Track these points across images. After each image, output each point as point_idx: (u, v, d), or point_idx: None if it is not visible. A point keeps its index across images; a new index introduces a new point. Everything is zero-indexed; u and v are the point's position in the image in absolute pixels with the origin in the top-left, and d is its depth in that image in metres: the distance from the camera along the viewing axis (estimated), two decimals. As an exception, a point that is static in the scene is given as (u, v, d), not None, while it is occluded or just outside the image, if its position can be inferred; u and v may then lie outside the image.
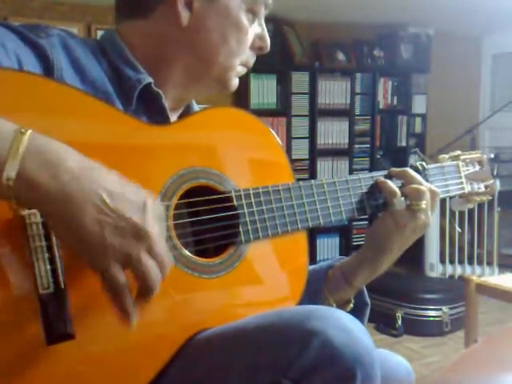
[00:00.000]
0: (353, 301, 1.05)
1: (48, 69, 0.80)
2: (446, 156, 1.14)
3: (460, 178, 1.12)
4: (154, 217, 0.68)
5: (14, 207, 0.66)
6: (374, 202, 1.00)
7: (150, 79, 0.89)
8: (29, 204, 0.65)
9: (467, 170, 1.14)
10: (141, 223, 0.66)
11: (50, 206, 0.63)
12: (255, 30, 0.94)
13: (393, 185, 0.98)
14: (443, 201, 1.11)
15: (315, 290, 1.01)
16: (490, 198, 1.20)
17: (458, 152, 1.16)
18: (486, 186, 1.16)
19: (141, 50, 0.90)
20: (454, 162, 1.13)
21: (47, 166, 0.62)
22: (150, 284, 0.67)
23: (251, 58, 0.96)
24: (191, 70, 0.92)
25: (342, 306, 1.04)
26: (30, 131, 0.63)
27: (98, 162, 0.67)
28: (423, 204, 0.96)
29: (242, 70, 0.96)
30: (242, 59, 0.94)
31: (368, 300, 1.07)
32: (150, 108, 0.90)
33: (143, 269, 0.67)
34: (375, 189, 1.00)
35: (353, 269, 1.02)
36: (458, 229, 3.93)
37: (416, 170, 1.03)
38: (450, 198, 1.14)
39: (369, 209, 1.00)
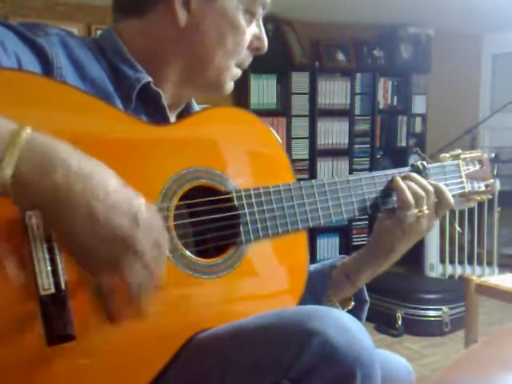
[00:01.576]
0: (353, 299, 1.05)
1: (47, 67, 0.80)
2: (447, 155, 1.14)
3: (460, 177, 1.12)
4: (145, 228, 0.66)
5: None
6: (376, 203, 1.01)
7: (148, 78, 0.89)
8: (23, 204, 0.65)
9: (467, 169, 1.14)
10: (130, 234, 0.65)
11: (43, 207, 0.63)
12: (253, 30, 0.94)
13: (410, 196, 0.97)
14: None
15: (319, 291, 1.02)
16: (490, 197, 1.20)
17: (459, 151, 1.16)
18: (486, 186, 1.16)
19: (138, 49, 0.90)
20: (455, 161, 1.13)
21: (43, 167, 0.62)
22: (137, 291, 0.67)
23: (247, 59, 0.96)
24: (187, 69, 0.92)
25: (343, 304, 1.04)
26: (29, 130, 0.63)
27: (98, 161, 0.66)
28: (425, 209, 0.97)
29: (237, 73, 0.96)
30: (238, 60, 0.94)
31: (367, 297, 1.07)
32: (149, 107, 0.90)
33: (130, 277, 0.66)
34: (377, 190, 1.01)
35: (356, 270, 1.03)
36: (458, 229, 3.93)
37: (417, 169, 1.03)
38: (454, 196, 1.14)
39: (369, 209, 1.00)
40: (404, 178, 1.00)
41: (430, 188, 0.99)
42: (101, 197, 0.64)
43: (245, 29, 0.92)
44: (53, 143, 0.64)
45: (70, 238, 0.64)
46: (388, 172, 1.03)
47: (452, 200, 1.01)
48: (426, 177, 1.02)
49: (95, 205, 0.63)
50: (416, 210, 0.97)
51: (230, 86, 0.96)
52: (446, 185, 1.08)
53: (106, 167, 0.67)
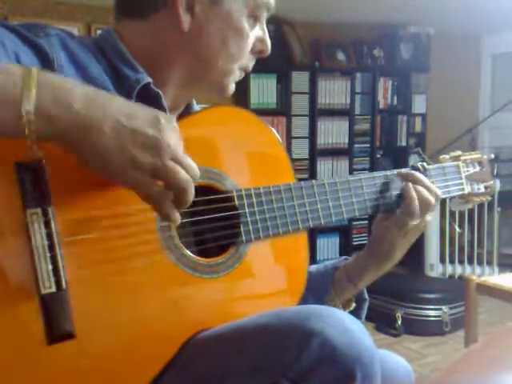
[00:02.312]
0: (354, 299, 1.05)
1: (48, 68, 0.80)
2: (447, 156, 1.14)
3: (460, 178, 1.12)
4: (168, 128, 0.70)
5: (33, 147, 0.66)
6: (375, 203, 1.01)
7: (148, 79, 0.89)
8: (49, 137, 0.66)
9: (467, 170, 1.14)
10: (158, 135, 0.68)
11: (70, 136, 0.66)
12: (256, 33, 0.94)
13: (418, 207, 0.98)
14: (443, 201, 1.11)
15: (321, 292, 1.02)
16: (490, 198, 1.20)
17: (459, 152, 1.16)
18: (485, 187, 1.16)
19: (140, 51, 0.90)
20: (455, 163, 1.13)
21: (59, 98, 0.65)
22: (182, 187, 0.70)
23: (250, 62, 0.96)
24: (190, 73, 0.92)
25: (344, 305, 1.04)
26: (35, 68, 0.66)
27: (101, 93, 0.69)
28: (430, 215, 0.99)
29: (240, 75, 0.96)
30: (241, 64, 0.94)
31: (366, 295, 1.08)
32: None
33: (171, 175, 0.69)
34: (377, 190, 1.01)
35: (357, 271, 1.03)
36: (457, 229, 3.93)
37: (417, 170, 1.03)
38: (450, 198, 1.15)
39: (370, 209, 1.00)
40: (415, 182, 1.00)
41: (439, 193, 1.00)
42: (120, 109, 0.68)
43: (248, 33, 0.91)
44: (58, 77, 0.69)
45: (103, 156, 0.67)
46: (388, 172, 1.03)
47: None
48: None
49: (119, 117, 0.67)
50: (420, 219, 0.98)
51: (232, 87, 0.96)
52: (446, 186, 1.08)
53: (108, 94, 0.71)
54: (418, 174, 1.01)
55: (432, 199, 0.98)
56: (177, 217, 0.72)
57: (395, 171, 1.03)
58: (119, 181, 0.70)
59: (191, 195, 0.71)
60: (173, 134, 0.70)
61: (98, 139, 0.66)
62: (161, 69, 0.91)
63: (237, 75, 0.95)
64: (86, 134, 0.66)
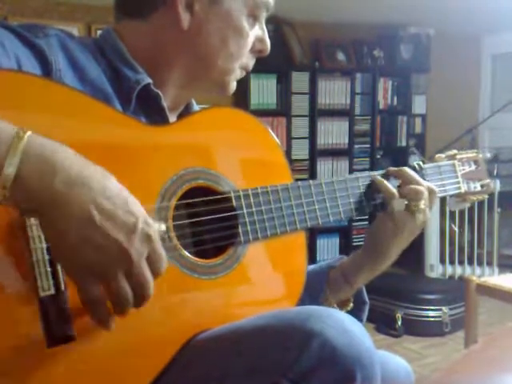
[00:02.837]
0: (352, 300, 1.05)
1: (47, 69, 0.80)
2: (443, 155, 1.13)
3: (456, 177, 1.12)
4: (141, 239, 0.66)
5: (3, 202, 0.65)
6: (373, 202, 1.00)
7: (148, 80, 0.89)
8: (23, 209, 0.65)
9: (463, 169, 1.14)
10: (124, 245, 0.65)
11: (41, 213, 0.63)
12: (256, 32, 0.94)
13: (391, 186, 0.98)
14: (443, 201, 1.11)
15: (316, 291, 1.01)
16: (486, 197, 1.20)
17: (455, 151, 1.15)
18: (482, 186, 1.16)
19: (140, 51, 0.90)
20: (451, 162, 1.12)
21: (42, 172, 0.62)
22: (120, 305, 0.67)
23: (251, 61, 0.96)
24: (190, 72, 0.92)
25: (341, 306, 1.04)
26: (28, 134, 0.62)
27: (99, 166, 0.66)
28: (422, 204, 0.96)
29: (241, 74, 0.96)
30: (241, 63, 0.94)
31: (366, 298, 1.07)
32: (148, 108, 0.90)
33: (116, 288, 0.66)
34: (373, 189, 1.00)
35: (353, 270, 1.02)
36: (454, 227, 3.92)
37: (413, 169, 1.03)
38: (450, 197, 1.14)
39: (367, 208, 1.00)
40: (397, 173, 1.00)
41: (423, 182, 0.99)
42: (100, 203, 0.64)
43: (248, 32, 0.92)
44: (52, 147, 0.64)
45: (62, 242, 0.64)
46: (385, 171, 1.02)
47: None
48: (422, 177, 1.02)
49: (93, 211, 0.63)
50: (401, 200, 0.97)
51: (233, 86, 0.96)
52: (442, 185, 1.08)
53: (105, 172, 0.67)
54: (404, 169, 1.00)
55: (420, 188, 0.97)
56: (108, 326, 0.68)
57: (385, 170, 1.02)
58: (66, 271, 0.67)
59: (126, 310, 0.68)
60: (142, 248, 0.66)
61: (62, 225, 0.63)
62: (161, 69, 0.91)
63: (237, 74, 0.95)
64: (55, 215, 0.63)
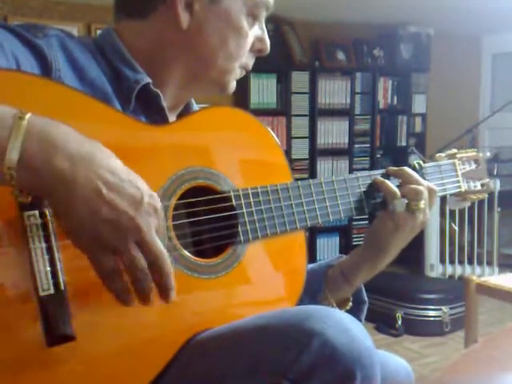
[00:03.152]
0: (351, 299, 1.05)
1: (46, 69, 0.80)
2: (443, 154, 1.13)
3: (457, 176, 1.12)
4: (148, 212, 0.67)
5: (16, 194, 0.65)
6: (373, 201, 1.00)
7: (148, 79, 0.89)
8: (30, 189, 0.65)
9: (463, 168, 1.14)
10: (133, 216, 0.66)
11: (48, 191, 0.64)
12: (255, 32, 0.94)
13: (392, 185, 0.98)
14: (443, 200, 1.11)
15: (315, 290, 1.01)
16: (486, 196, 1.20)
17: (455, 150, 1.15)
18: (482, 185, 1.16)
19: (139, 50, 0.90)
20: (451, 161, 1.12)
21: (45, 151, 0.63)
22: (137, 276, 0.67)
23: (250, 61, 0.96)
24: (190, 72, 0.92)
25: (340, 304, 1.04)
26: (28, 115, 0.63)
27: (99, 144, 0.67)
28: (422, 204, 0.96)
29: (240, 73, 0.96)
30: (241, 62, 0.94)
31: (365, 297, 1.07)
32: (148, 108, 0.90)
33: (130, 260, 0.66)
34: (373, 188, 1.00)
35: (352, 269, 1.02)
36: (454, 226, 3.92)
37: (413, 168, 1.03)
38: (450, 196, 1.14)
39: (367, 208, 1.00)
40: (397, 172, 1.00)
41: (423, 181, 0.98)
42: (105, 176, 0.65)
43: (247, 31, 0.91)
44: (52, 126, 0.65)
45: (71, 217, 0.64)
46: (385, 170, 1.02)
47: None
48: (422, 176, 1.02)
49: (99, 184, 0.64)
50: (402, 199, 0.96)
51: (233, 85, 0.96)
52: (443, 184, 1.08)
53: (103, 147, 0.67)
54: (404, 169, 1.00)
55: (420, 188, 0.97)
56: (127, 301, 0.68)
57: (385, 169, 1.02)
58: (79, 247, 0.67)
59: (147, 286, 0.68)
60: (152, 219, 0.67)
61: (70, 201, 0.63)
62: (160, 69, 0.91)
63: (237, 73, 0.95)
64: (62, 192, 0.63)
